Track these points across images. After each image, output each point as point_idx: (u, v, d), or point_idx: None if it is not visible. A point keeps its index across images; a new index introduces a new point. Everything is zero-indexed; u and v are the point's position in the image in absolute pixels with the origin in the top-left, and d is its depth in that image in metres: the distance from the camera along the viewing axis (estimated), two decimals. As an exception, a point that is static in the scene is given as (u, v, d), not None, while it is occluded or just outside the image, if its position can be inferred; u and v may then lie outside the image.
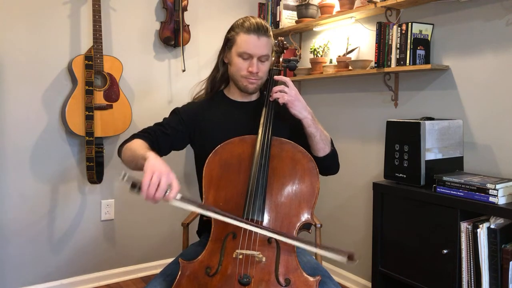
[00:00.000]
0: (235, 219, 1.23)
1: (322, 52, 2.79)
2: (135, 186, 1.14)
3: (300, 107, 1.44)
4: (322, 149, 1.49)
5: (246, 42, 1.48)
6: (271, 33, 1.53)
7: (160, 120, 1.59)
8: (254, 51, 1.48)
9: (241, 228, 1.25)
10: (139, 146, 1.39)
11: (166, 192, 1.15)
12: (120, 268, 2.79)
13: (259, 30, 1.48)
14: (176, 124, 1.55)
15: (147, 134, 1.49)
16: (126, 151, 1.42)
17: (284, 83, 1.47)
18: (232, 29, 1.55)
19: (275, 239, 1.27)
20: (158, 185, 1.14)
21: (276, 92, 1.45)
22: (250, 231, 1.26)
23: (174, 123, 1.55)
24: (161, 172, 1.15)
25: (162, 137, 1.51)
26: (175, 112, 1.60)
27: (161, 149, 1.51)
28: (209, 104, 1.61)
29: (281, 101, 1.43)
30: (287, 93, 1.43)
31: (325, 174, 1.56)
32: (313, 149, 1.49)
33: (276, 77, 1.47)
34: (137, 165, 1.30)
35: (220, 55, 1.62)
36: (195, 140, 1.58)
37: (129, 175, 1.13)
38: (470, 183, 1.75)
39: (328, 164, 1.54)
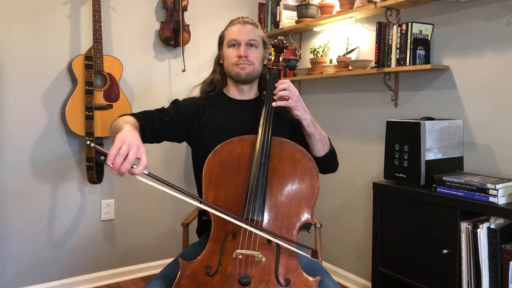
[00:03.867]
0: (215, 208, 1.21)
1: (322, 52, 2.79)
2: (101, 154, 1.08)
3: (302, 109, 1.45)
4: (322, 148, 1.50)
5: (232, 31, 1.59)
6: (259, 25, 1.62)
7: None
8: (240, 36, 1.56)
9: (240, 228, 1.25)
10: (125, 121, 1.38)
11: (133, 165, 1.10)
12: (120, 268, 2.79)
13: (244, 21, 1.59)
14: (175, 113, 1.57)
15: (143, 116, 1.50)
16: (113, 124, 1.42)
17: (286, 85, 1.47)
18: (222, 30, 1.65)
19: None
20: (127, 156, 1.09)
21: (280, 97, 1.43)
22: (250, 231, 1.26)
23: (173, 111, 1.57)
24: (131, 143, 1.11)
25: (158, 121, 1.52)
26: (175, 102, 1.63)
27: (155, 134, 1.52)
28: (209, 101, 1.62)
29: (287, 105, 1.43)
30: (291, 95, 1.43)
31: (325, 173, 1.57)
32: (313, 149, 1.50)
33: (277, 84, 1.47)
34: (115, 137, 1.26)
35: (216, 58, 1.68)
36: (193, 135, 1.58)
37: (95, 145, 1.08)
38: (470, 183, 1.75)
39: (328, 163, 1.55)
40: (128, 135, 1.15)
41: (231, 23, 1.62)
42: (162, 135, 1.54)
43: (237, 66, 1.56)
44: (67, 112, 2.42)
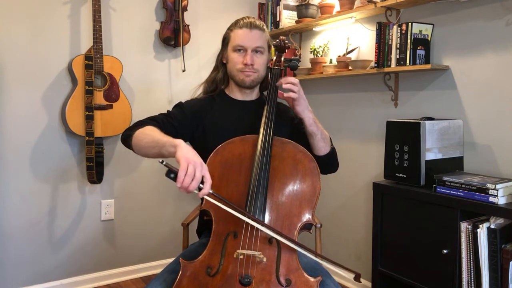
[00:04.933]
0: (264, 224, 1.25)
1: (322, 52, 2.79)
2: (172, 172, 1.17)
3: (304, 106, 1.46)
4: (323, 148, 1.50)
5: (239, 35, 1.55)
6: (265, 28, 1.59)
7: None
8: (247, 43, 1.53)
9: (242, 227, 1.26)
10: (158, 132, 1.39)
11: (200, 183, 1.18)
12: (120, 268, 2.79)
13: (251, 25, 1.55)
14: (182, 117, 1.56)
15: (155, 123, 1.49)
16: (142, 136, 1.40)
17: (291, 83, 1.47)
18: (227, 28, 1.61)
19: (276, 239, 1.27)
20: (194, 175, 1.16)
21: (287, 84, 1.44)
22: (251, 231, 1.26)
23: (179, 116, 1.56)
24: (196, 162, 1.18)
25: (168, 128, 1.51)
26: (180, 106, 1.61)
27: None
28: (211, 102, 1.62)
29: (291, 96, 1.43)
30: (296, 91, 1.44)
31: (325, 173, 1.57)
32: (314, 148, 1.50)
33: (282, 79, 1.47)
34: (161, 151, 1.31)
35: (218, 56, 1.66)
36: (197, 137, 1.58)
37: (167, 162, 1.17)
38: (470, 183, 1.75)
39: (329, 163, 1.55)
40: (190, 154, 1.21)
41: (237, 24, 1.57)
42: None
43: (243, 73, 1.55)
44: (67, 112, 2.42)
